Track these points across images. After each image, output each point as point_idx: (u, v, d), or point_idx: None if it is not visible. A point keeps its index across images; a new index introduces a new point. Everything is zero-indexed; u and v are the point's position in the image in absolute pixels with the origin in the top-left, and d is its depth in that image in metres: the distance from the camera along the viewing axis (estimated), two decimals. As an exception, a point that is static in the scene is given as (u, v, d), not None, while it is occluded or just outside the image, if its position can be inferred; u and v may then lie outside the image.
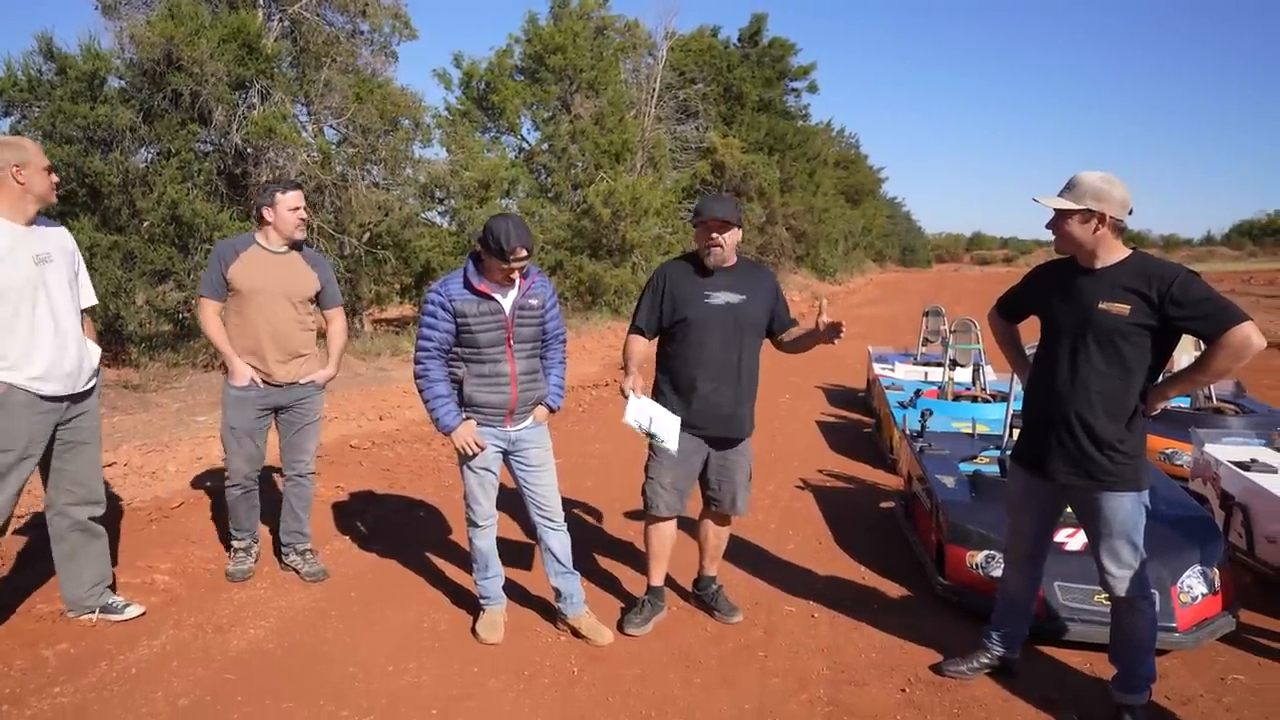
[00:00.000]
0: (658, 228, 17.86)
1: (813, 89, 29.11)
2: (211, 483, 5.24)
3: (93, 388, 3.41)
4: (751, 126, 25.11)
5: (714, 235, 3.27)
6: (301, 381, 3.91)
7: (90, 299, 3.51)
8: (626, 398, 3.32)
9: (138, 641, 3.37)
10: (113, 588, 3.63)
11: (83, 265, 3.49)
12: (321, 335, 4.11)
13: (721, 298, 3.32)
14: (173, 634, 3.46)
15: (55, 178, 3.27)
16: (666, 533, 3.57)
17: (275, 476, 5.23)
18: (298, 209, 3.79)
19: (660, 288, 3.40)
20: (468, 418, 3.25)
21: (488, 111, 18.58)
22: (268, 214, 3.79)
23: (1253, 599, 3.80)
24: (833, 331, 3.17)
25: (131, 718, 2.85)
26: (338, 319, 4.11)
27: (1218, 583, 3.47)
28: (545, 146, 18.36)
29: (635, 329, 3.48)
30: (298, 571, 4.10)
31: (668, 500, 3.44)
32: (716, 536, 3.65)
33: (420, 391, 3.23)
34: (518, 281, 3.24)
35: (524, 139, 19.37)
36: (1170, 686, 3.09)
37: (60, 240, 3.34)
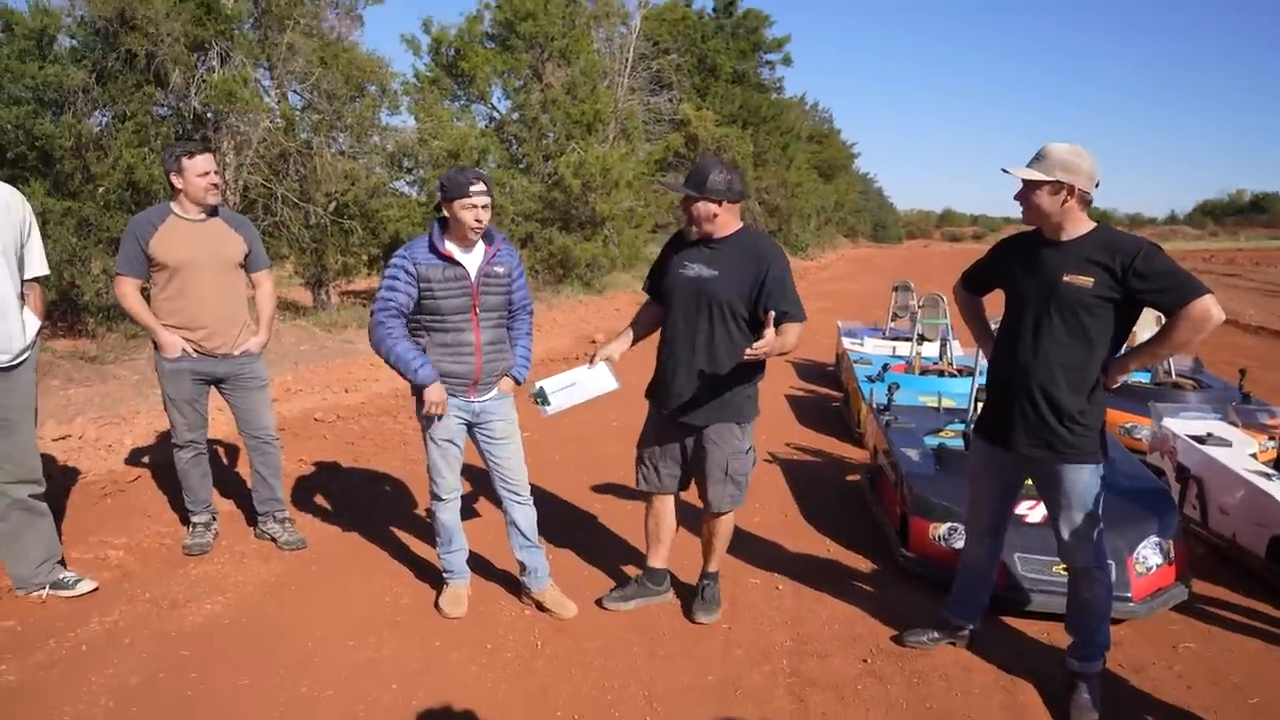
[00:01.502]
0: (629, 200, 17.70)
1: (787, 62, 29.00)
2: (169, 455, 5.12)
3: (23, 362, 3.28)
4: (725, 99, 24.94)
5: (690, 209, 3.10)
6: (235, 352, 3.82)
7: (39, 267, 3.38)
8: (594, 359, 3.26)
9: (89, 618, 3.29)
10: (63, 563, 3.54)
11: (35, 231, 3.36)
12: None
13: (693, 270, 3.13)
14: (125, 610, 3.38)
15: None
16: (657, 510, 3.44)
17: (242, 449, 5.13)
18: (207, 173, 3.62)
19: (664, 250, 3.32)
20: (443, 375, 3.15)
21: (457, 79, 18.21)
22: (176, 181, 3.65)
23: (1205, 569, 3.88)
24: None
25: (80, 695, 2.79)
26: (265, 283, 4.01)
27: (1172, 554, 3.53)
28: (516, 116, 18.06)
29: (644, 289, 3.43)
30: (275, 540, 4.05)
31: (645, 474, 3.36)
32: (707, 530, 3.40)
33: (382, 348, 3.08)
34: (482, 248, 3.17)
35: (494, 108, 19.04)
36: (1124, 655, 3.15)
37: (4, 205, 3.19)
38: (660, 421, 3.30)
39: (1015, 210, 2.84)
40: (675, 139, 21.59)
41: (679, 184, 3.11)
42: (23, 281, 3.31)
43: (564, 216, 17.02)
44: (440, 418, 3.20)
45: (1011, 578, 3.44)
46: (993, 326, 3.16)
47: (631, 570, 3.80)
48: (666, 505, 3.44)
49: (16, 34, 9.02)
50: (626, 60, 20.78)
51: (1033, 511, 3.61)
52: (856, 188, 54.75)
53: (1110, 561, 2.91)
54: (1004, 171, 2.73)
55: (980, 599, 3.19)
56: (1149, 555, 3.47)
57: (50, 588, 3.43)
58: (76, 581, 3.48)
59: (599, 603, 3.48)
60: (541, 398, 3.25)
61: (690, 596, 3.51)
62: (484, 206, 3.05)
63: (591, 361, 3.26)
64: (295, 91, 11.90)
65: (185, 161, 3.59)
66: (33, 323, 3.34)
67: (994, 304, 3.04)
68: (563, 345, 10.74)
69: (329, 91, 11.63)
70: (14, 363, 3.24)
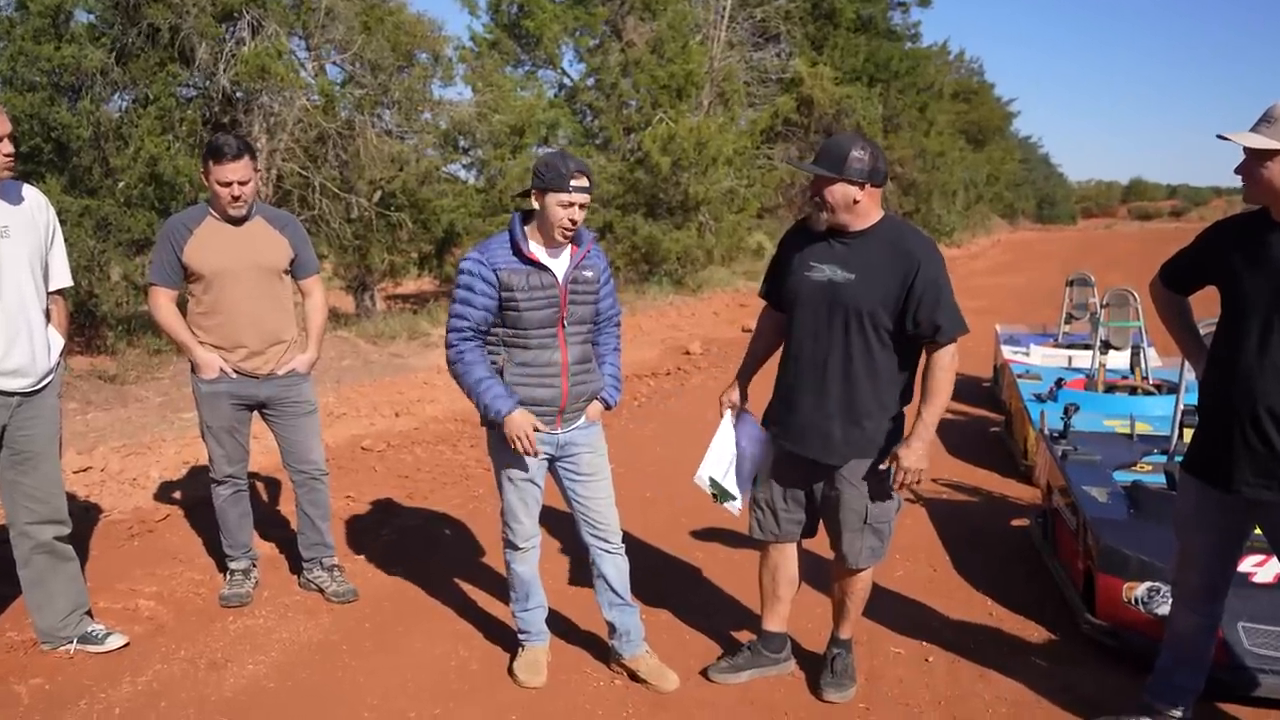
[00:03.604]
0: (729, 179, 17.77)
1: (924, 3, 28.51)
2: (200, 491, 5.43)
3: (46, 386, 3.54)
4: (847, 51, 24.71)
5: (823, 193, 3.06)
6: (280, 372, 4.02)
7: (64, 279, 3.66)
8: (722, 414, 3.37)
9: (121, 678, 3.53)
10: (90, 614, 3.80)
11: (59, 237, 3.64)
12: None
13: (824, 272, 3.09)
14: (160, 669, 3.60)
15: (8, 148, 3.30)
16: (775, 562, 3.43)
17: (285, 485, 5.40)
18: (230, 184, 3.81)
19: (782, 245, 3.34)
20: (523, 402, 3.24)
21: (521, 41, 18.69)
22: (206, 180, 3.89)
23: None
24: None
25: (115, 766, 2.99)
26: (315, 291, 4.22)
27: None
28: (591, 82, 18.39)
29: (760, 293, 3.48)
30: (322, 591, 4.25)
31: (762, 520, 3.37)
32: (839, 589, 3.39)
33: (458, 378, 3.25)
34: (568, 248, 3.27)
35: (565, 73, 19.45)
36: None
37: (30, 211, 3.48)
38: (781, 456, 3.31)
39: (1226, 180, 2.80)
40: (785, 102, 21.52)
41: (809, 163, 3.12)
42: (47, 294, 3.59)
43: (650, 201, 17.20)
44: (533, 450, 3.25)
45: (1233, 654, 3.31)
46: (1203, 332, 3.07)
47: (744, 635, 3.82)
48: (787, 556, 3.44)
49: (32, 12, 9.77)
50: (724, 9, 20.86)
51: (1261, 569, 3.48)
52: (1015, 156, 53.29)
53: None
54: (1221, 138, 2.66)
55: (1193, 681, 3.08)
56: None
57: (78, 642, 3.69)
58: (106, 635, 3.74)
59: (705, 674, 3.52)
60: (722, 495, 3.38)
61: (817, 668, 3.50)
62: (582, 206, 3.14)
63: (735, 416, 3.37)
64: (335, 63, 12.46)
65: (211, 164, 3.82)
66: (57, 341, 3.62)
67: (1202, 304, 2.95)
68: (650, 357, 10.86)
69: (373, 62, 12.12)
70: (37, 387, 3.51)
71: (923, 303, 3.01)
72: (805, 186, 3.25)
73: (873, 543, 3.23)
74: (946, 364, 3.07)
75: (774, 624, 3.52)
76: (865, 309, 3.04)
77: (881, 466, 3.12)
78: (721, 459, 3.42)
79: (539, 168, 3.16)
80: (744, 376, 3.50)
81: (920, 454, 3.05)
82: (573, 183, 3.08)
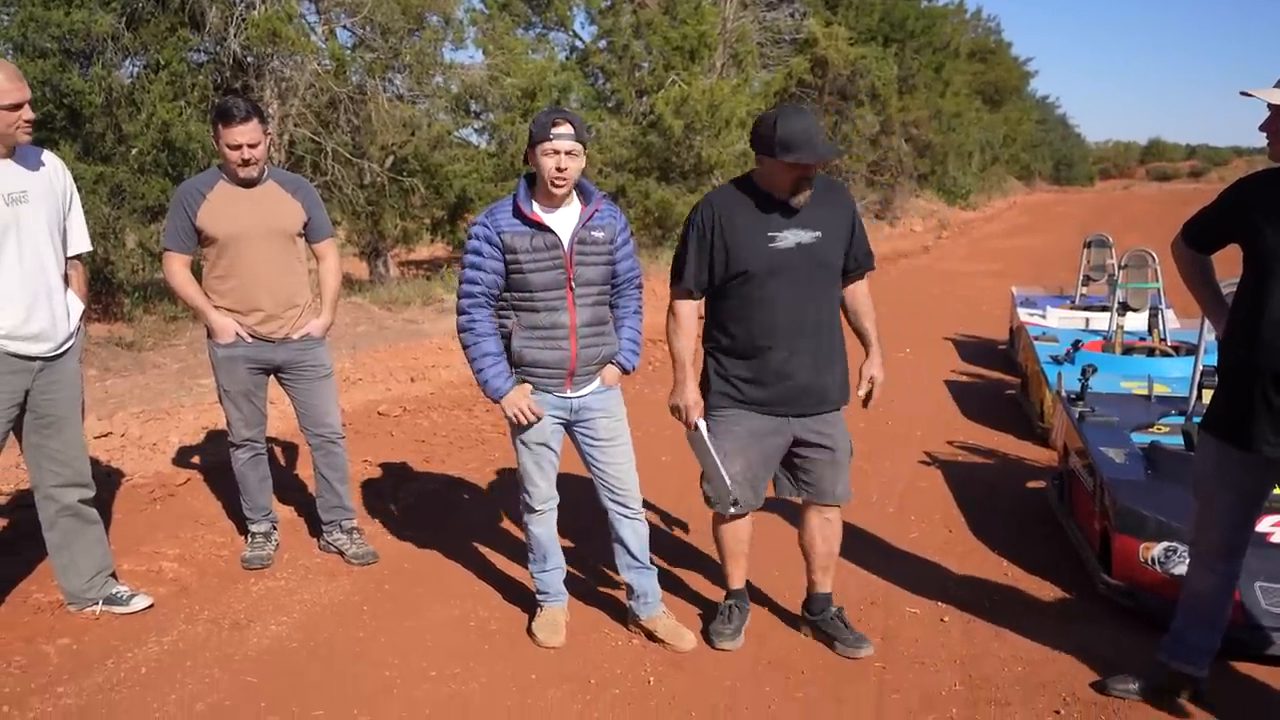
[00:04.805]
0: (742, 142, 17.59)
1: (941, -41, 28.05)
2: (220, 455, 5.48)
3: (68, 350, 3.57)
4: (862, 10, 24.38)
5: (806, 175, 3.13)
6: (295, 336, 4.05)
7: (82, 244, 3.69)
8: (693, 428, 3.28)
9: (146, 638, 3.59)
10: (114, 576, 3.86)
11: (76, 201, 3.67)
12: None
13: (790, 237, 3.16)
14: (184, 630, 3.67)
15: (28, 114, 3.30)
16: (743, 528, 3.50)
17: (302, 448, 5.44)
18: (240, 146, 3.80)
19: (709, 229, 3.21)
20: (521, 381, 3.28)
21: (532, 3, 18.54)
22: (216, 144, 3.90)
23: None
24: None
25: (143, 723, 3.06)
26: (329, 255, 4.24)
27: None
28: (603, 44, 18.24)
29: (682, 288, 3.30)
30: (342, 553, 4.30)
31: (740, 495, 3.34)
32: (824, 539, 3.47)
33: (465, 348, 3.30)
34: (577, 207, 3.26)
35: (577, 35, 19.31)
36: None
37: (48, 177, 3.49)
38: (758, 427, 3.29)
39: (1248, 139, 2.77)
40: (799, 64, 21.27)
41: (824, 147, 3.18)
42: (66, 259, 3.62)
43: (663, 164, 17.11)
44: (536, 418, 3.30)
45: (1250, 614, 3.32)
46: (1225, 292, 3.05)
47: (760, 595, 3.85)
48: (748, 519, 3.52)
49: (42, -24, 9.73)
50: (737, -32, 20.58)
51: (1279, 529, 3.46)
52: (1032, 116, 52.61)
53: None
54: (1244, 94, 2.63)
55: (1209, 640, 3.09)
56: None
57: (104, 603, 3.75)
58: (131, 597, 3.80)
59: (709, 641, 3.53)
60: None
61: (794, 625, 3.62)
62: (568, 153, 3.12)
63: (695, 429, 3.30)
64: (345, 27, 12.39)
65: (220, 128, 3.82)
66: (76, 306, 3.65)
67: (1224, 263, 2.92)
68: (663, 321, 10.83)
69: (383, 25, 12.06)
70: (59, 351, 3.54)
71: (856, 239, 3.32)
72: (786, 171, 3.21)
73: (846, 475, 3.40)
74: (867, 288, 3.45)
75: (741, 580, 3.61)
76: (835, 261, 3.28)
77: (861, 391, 3.38)
78: (718, 466, 3.27)
79: (529, 126, 3.19)
80: (694, 382, 3.37)
81: (882, 366, 3.40)
82: (553, 130, 3.09)
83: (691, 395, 3.31)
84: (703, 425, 3.29)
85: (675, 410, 3.34)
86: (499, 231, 3.19)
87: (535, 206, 3.21)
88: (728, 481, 3.24)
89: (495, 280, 3.22)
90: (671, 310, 3.37)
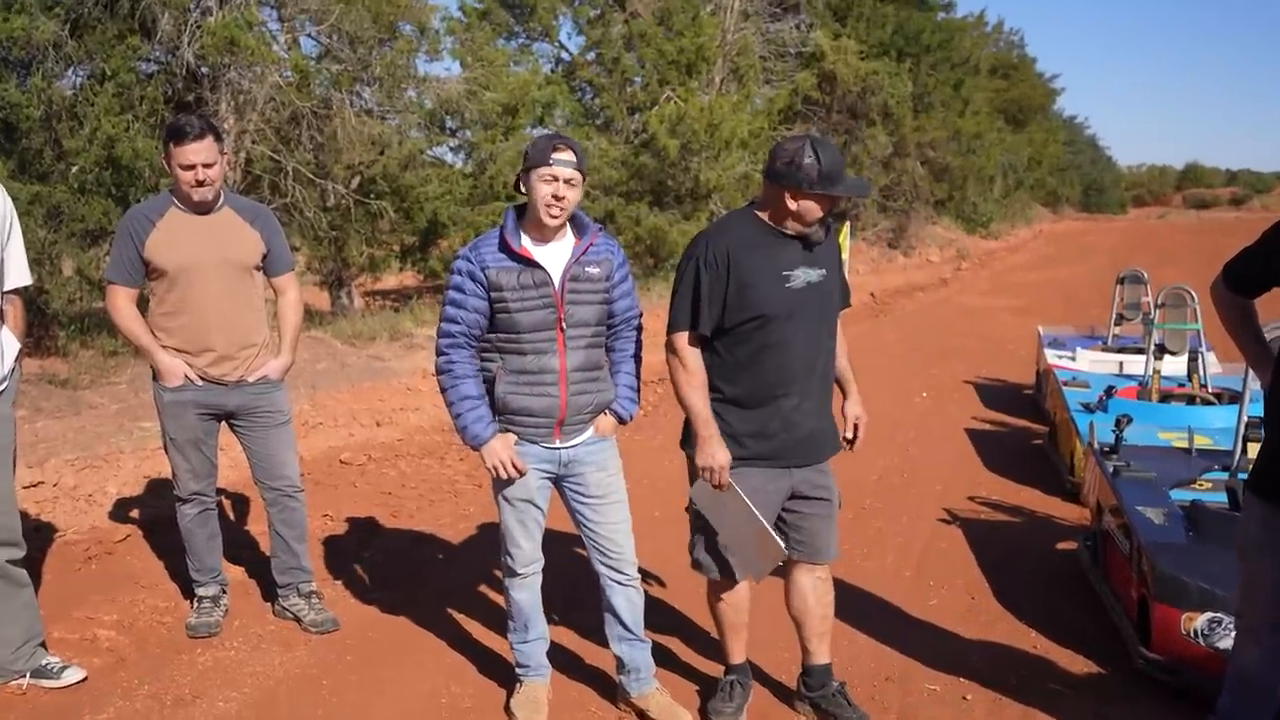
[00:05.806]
0: (743, 164, 17.77)
1: (959, -32, 28.50)
2: (163, 509, 5.45)
3: (1, 393, 3.56)
4: (873, 22, 24.72)
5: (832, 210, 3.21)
6: (250, 379, 4.04)
7: (22, 277, 3.68)
8: (719, 486, 3.23)
9: (79, 715, 3.54)
10: (44, 645, 3.82)
11: (17, 230, 3.66)
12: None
13: (802, 276, 3.19)
14: (122, 706, 3.62)
15: None
16: (742, 596, 3.49)
17: (255, 502, 5.43)
18: (193, 166, 3.81)
19: (721, 266, 3.14)
20: (505, 430, 3.29)
21: (514, 11, 18.75)
22: (167, 165, 3.91)
23: None
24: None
25: (74, 813, 3.01)
26: (290, 289, 4.27)
27: None
28: (591, 57, 18.45)
29: (694, 333, 3.22)
30: (299, 620, 4.27)
31: (752, 565, 3.36)
32: (820, 602, 3.46)
33: (443, 391, 3.30)
34: (570, 241, 3.28)
35: (563, 47, 19.51)
36: None
37: None
38: (760, 483, 3.26)
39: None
40: (805, 79, 21.53)
41: (861, 181, 3.34)
42: (2, 294, 3.62)
43: (656, 188, 17.23)
44: (520, 473, 3.29)
45: (1304, 692, 3.32)
46: (1269, 337, 3.08)
47: (763, 668, 3.83)
48: (746, 587, 3.52)
49: (-22, -22, 9.80)
50: (738, -25, 20.88)
51: (1334, 599, 3.47)
52: (1059, 137, 53.28)
53: None
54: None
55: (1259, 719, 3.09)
56: None
57: (31, 676, 3.71)
58: (62, 669, 3.76)
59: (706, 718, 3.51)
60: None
61: (788, 702, 3.59)
62: (567, 181, 3.14)
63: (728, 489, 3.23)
64: (310, 36, 12.53)
65: (172, 147, 3.83)
66: (12, 345, 3.65)
67: (1266, 306, 2.96)
68: (657, 361, 10.83)
69: (352, 34, 12.16)
70: (-8, 394, 3.53)
71: (842, 274, 3.39)
72: (813, 203, 3.19)
73: (836, 530, 3.43)
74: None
75: (743, 654, 3.60)
76: (837, 299, 3.36)
77: (847, 434, 3.45)
78: (763, 524, 3.21)
79: (525, 150, 3.23)
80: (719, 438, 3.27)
81: (862, 405, 3.48)
82: (553, 155, 3.11)
83: (723, 454, 3.21)
84: (736, 486, 3.20)
85: (707, 471, 3.25)
86: (483, 267, 3.20)
87: (524, 240, 3.22)
88: (777, 538, 3.21)
89: (477, 320, 3.23)
90: (678, 359, 3.26)
